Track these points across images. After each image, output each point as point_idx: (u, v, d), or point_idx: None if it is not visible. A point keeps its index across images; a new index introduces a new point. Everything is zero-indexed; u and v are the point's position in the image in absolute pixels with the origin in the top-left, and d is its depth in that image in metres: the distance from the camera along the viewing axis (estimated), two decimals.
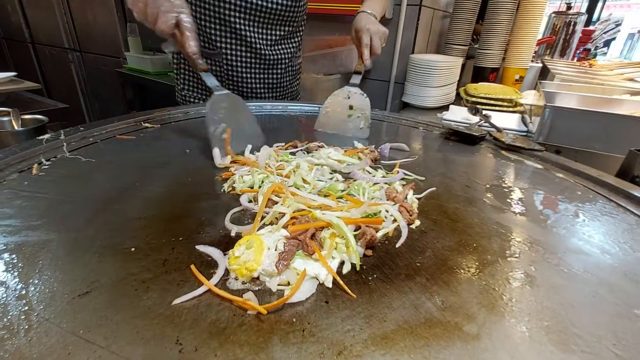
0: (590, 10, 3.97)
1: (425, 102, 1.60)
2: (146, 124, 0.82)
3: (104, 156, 0.65)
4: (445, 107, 1.51)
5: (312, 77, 1.68)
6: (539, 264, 0.41)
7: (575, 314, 0.34)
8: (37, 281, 0.35)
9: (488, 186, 0.63)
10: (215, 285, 0.35)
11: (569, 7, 2.55)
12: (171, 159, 0.66)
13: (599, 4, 4.49)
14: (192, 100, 1.17)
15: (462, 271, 0.39)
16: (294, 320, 0.32)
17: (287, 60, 1.13)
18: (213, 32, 1.01)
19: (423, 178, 0.64)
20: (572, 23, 2.37)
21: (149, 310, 0.32)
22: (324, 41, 1.78)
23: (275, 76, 1.13)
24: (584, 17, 2.42)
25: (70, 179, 0.56)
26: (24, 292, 0.33)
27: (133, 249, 0.40)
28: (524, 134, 1.14)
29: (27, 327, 0.30)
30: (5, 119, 0.99)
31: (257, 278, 0.37)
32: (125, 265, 0.37)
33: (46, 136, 0.68)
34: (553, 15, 2.47)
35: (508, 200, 0.58)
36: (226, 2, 0.95)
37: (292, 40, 1.13)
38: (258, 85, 1.11)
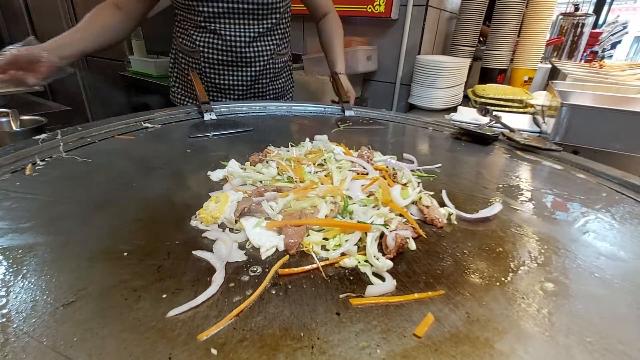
0: (596, 13, 3.93)
1: (432, 103, 1.56)
2: (146, 124, 0.79)
3: (102, 156, 0.63)
4: (453, 109, 1.47)
5: (317, 78, 1.65)
6: (571, 271, 0.37)
7: (619, 328, 0.30)
8: (18, 289, 0.31)
9: (506, 187, 0.59)
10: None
11: (576, 9, 2.51)
12: (171, 160, 0.63)
13: (605, 7, 4.45)
14: (184, 99, 1.18)
15: (486, 279, 0.36)
16: (302, 335, 0.28)
17: (265, 58, 1.09)
18: (192, 31, 1.02)
19: (441, 169, 0.61)
20: (580, 25, 2.34)
21: (140, 323, 0.28)
22: None
23: (251, 74, 1.09)
24: (591, 19, 2.38)
25: (64, 179, 0.53)
26: (3, 301, 0.30)
27: (126, 254, 0.37)
28: (537, 134, 1.10)
29: (3, 341, 0.26)
30: (4, 119, 0.98)
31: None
32: (116, 271, 0.34)
33: (42, 136, 0.65)
34: (560, 16, 2.44)
35: (529, 202, 0.54)
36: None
37: (272, 37, 1.09)
38: (234, 83, 1.09)
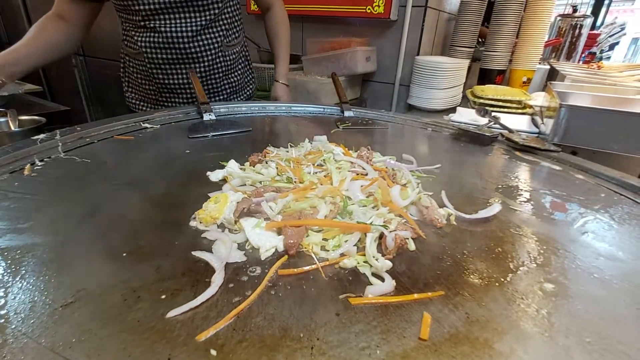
0: (594, 14, 3.94)
1: (431, 104, 1.56)
2: (145, 125, 0.79)
3: (100, 157, 0.62)
4: (452, 110, 1.47)
5: (316, 79, 1.65)
6: (570, 272, 0.37)
7: (619, 329, 0.30)
8: (17, 290, 0.31)
9: (505, 188, 0.59)
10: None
11: (574, 10, 2.52)
12: (170, 160, 0.63)
13: (603, 9, 4.46)
14: (139, 103, 1.13)
15: (486, 279, 0.36)
16: (301, 335, 0.28)
17: (213, 52, 1.03)
18: (133, 32, 1.00)
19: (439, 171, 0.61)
20: (578, 26, 2.34)
21: (139, 324, 0.28)
22: (328, 43, 1.76)
23: (200, 71, 1.04)
24: (589, 20, 2.38)
25: (63, 180, 0.53)
26: (2, 302, 0.30)
27: (125, 254, 0.37)
28: (535, 135, 1.11)
29: (1, 342, 0.26)
30: (2, 119, 0.97)
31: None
32: (115, 271, 0.34)
33: (41, 136, 0.65)
34: (558, 18, 2.44)
35: (528, 202, 0.54)
36: None
37: (218, 29, 1.03)
38: (183, 82, 1.04)
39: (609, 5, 4.69)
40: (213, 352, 0.26)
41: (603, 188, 0.60)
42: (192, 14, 0.96)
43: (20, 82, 1.64)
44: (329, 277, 0.35)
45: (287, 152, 0.65)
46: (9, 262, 0.35)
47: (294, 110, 1.04)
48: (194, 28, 0.97)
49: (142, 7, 0.92)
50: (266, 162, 0.60)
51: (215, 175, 0.56)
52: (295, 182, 0.53)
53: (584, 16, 2.36)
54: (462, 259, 0.39)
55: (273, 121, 0.96)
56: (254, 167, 0.59)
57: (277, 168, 0.57)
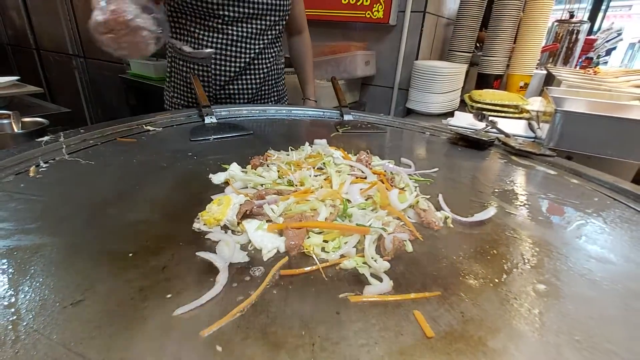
0: (592, 19, 3.99)
1: (430, 108, 1.58)
2: (148, 127, 0.80)
3: (104, 159, 0.63)
4: (450, 114, 1.49)
5: (315, 83, 1.67)
6: (562, 273, 0.39)
7: (608, 328, 0.31)
8: (27, 288, 0.32)
9: (501, 192, 0.60)
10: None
11: (571, 16, 2.55)
12: (173, 162, 0.64)
13: (600, 14, 4.51)
14: (182, 108, 1.15)
15: (481, 280, 0.37)
16: (303, 332, 0.29)
17: (271, 61, 1.12)
18: (201, 35, 1.00)
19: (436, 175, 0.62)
20: (575, 31, 2.37)
21: (146, 321, 0.29)
22: (328, 47, 1.78)
23: (259, 77, 1.11)
24: (586, 26, 2.41)
25: (68, 181, 0.54)
26: (13, 300, 0.31)
27: (131, 255, 0.38)
28: (532, 140, 1.12)
29: (14, 338, 0.27)
30: (5, 121, 0.98)
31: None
32: (122, 271, 0.35)
33: (45, 138, 0.66)
34: (556, 23, 2.47)
35: (523, 206, 0.55)
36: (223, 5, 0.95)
37: (277, 42, 1.13)
38: (243, 88, 1.10)
39: (606, 10, 4.74)
40: (219, 348, 0.27)
41: (597, 192, 0.62)
42: (266, 25, 1.03)
43: (21, 84, 1.65)
44: (329, 278, 0.36)
45: (288, 155, 0.66)
46: (19, 261, 0.36)
47: (294, 113, 1.05)
48: (265, 41, 1.05)
49: (226, 13, 0.96)
50: (267, 165, 0.61)
51: (217, 178, 0.57)
52: (296, 185, 0.54)
53: (581, 22, 2.38)
54: (458, 260, 0.40)
55: (273, 124, 0.97)
56: (255, 170, 0.60)
57: (278, 171, 0.58)
